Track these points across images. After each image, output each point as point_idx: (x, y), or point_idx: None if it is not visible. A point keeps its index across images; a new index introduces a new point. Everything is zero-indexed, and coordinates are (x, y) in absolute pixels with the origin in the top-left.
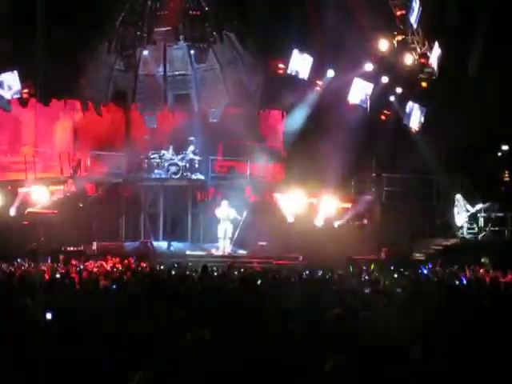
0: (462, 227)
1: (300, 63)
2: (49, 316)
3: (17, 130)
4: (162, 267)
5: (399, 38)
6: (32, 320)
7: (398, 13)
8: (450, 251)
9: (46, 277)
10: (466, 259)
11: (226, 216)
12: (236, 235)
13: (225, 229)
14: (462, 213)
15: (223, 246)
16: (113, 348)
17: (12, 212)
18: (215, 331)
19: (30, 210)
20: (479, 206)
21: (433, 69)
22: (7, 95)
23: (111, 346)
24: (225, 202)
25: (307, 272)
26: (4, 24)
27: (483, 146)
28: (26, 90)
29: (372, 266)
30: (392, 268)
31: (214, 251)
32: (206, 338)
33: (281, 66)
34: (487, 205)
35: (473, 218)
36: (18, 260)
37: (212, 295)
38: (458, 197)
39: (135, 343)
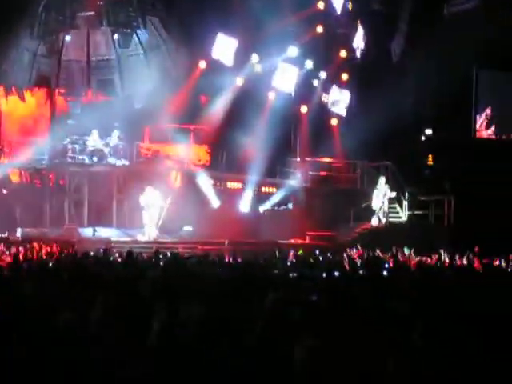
0: (378, 210)
1: (224, 47)
2: None
3: None
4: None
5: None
6: None
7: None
8: (373, 235)
9: None
10: (389, 243)
11: (151, 202)
12: (161, 221)
13: (150, 215)
14: (379, 196)
15: (148, 232)
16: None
17: None
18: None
19: None
20: (394, 194)
21: (356, 53)
22: None
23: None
24: (149, 188)
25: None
26: None
27: (407, 130)
28: None
29: (300, 251)
30: (317, 252)
31: (139, 237)
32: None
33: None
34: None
35: (397, 201)
36: None
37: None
38: (381, 180)
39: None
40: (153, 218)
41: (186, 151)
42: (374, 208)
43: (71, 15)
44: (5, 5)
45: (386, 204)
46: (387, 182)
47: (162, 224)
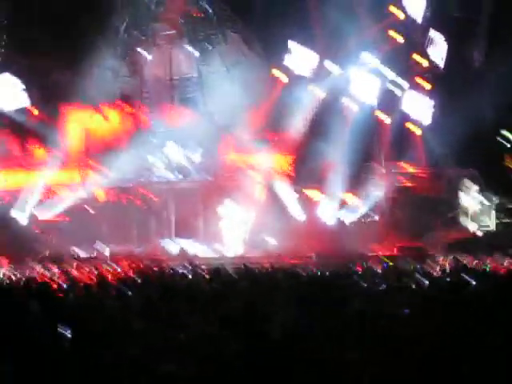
0: (474, 220)
1: (304, 59)
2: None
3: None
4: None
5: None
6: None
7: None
8: (462, 244)
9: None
10: (479, 252)
11: (236, 216)
12: (246, 235)
13: (235, 229)
14: (475, 205)
15: (234, 247)
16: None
17: (24, 220)
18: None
19: (41, 217)
20: (494, 198)
21: (438, 62)
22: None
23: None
24: (234, 203)
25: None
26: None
27: (491, 136)
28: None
29: (388, 262)
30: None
31: (225, 253)
32: None
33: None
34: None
35: (486, 209)
36: (34, 267)
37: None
38: (474, 188)
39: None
40: (238, 233)
41: (268, 161)
42: (470, 216)
43: (152, 34)
44: (87, 25)
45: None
46: (480, 190)
47: (248, 238)
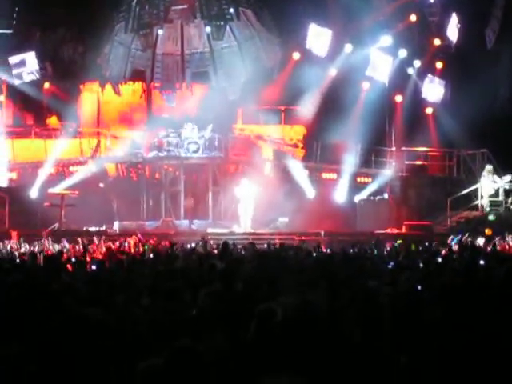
0: (485, 200)
1: (318, 38)
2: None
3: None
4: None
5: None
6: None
7: None
8: (473, 224)
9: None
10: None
11: (246, 193)
12: (256, 212)
13: (245, 206)
14: (489, 185)
15: (244, 224)
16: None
17: (33, 193)
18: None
19: (50, 190)
20: (507, 178)
21: (450, 41)
22: (25, 77)
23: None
24: (245, 180)
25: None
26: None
27: (503, 117)
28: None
29: (398, 241)
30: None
31: (235, 229)
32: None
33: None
34: (510, 177)
35: (498, 190)
36: (41, 241)
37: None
38: (489, 168)
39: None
40: (248, 210)
41: (280, 132)
42: (484, 197)
43: (165, 9)
44: (99, 0)
45: (501, 193)
46: (495, 171)
47: (258, 215)
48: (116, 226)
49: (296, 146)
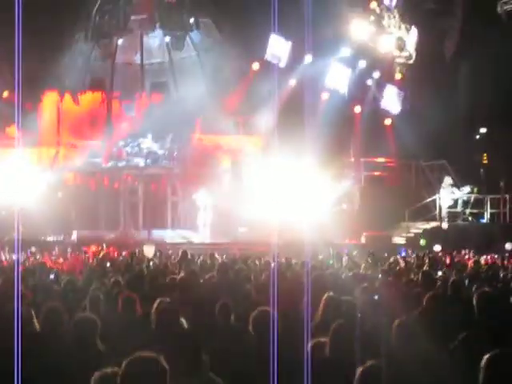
0: (443, 211)
1: (278, 49)
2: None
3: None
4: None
5: (373, 19)
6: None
7: None
8: (430, 235)
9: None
10: (445, 242)
11: (206, 203)
12: (216, 222)
13: (204, 216)
14: (447, 196)
15: (203, 234)
16: None
17: None
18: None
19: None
20: (466, 190)
21: (410, 53)
22: None
23: None
24: (204, 190)
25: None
26: None
27: (461, 129)
28: None
29: (354, 252)
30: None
31: (194, 239)
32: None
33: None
34: (469, 188)
35: (455, 201)
36: None
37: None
38: (447, 180)
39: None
40: (207, 220)
41: (237, 141)
42: (443, 208)
43: (124, 19)
44: (58, 9)
45: (459, 204)
46: (454, 183)
47: (217, 225)
48: (74, 235)
49: (254, 156)
